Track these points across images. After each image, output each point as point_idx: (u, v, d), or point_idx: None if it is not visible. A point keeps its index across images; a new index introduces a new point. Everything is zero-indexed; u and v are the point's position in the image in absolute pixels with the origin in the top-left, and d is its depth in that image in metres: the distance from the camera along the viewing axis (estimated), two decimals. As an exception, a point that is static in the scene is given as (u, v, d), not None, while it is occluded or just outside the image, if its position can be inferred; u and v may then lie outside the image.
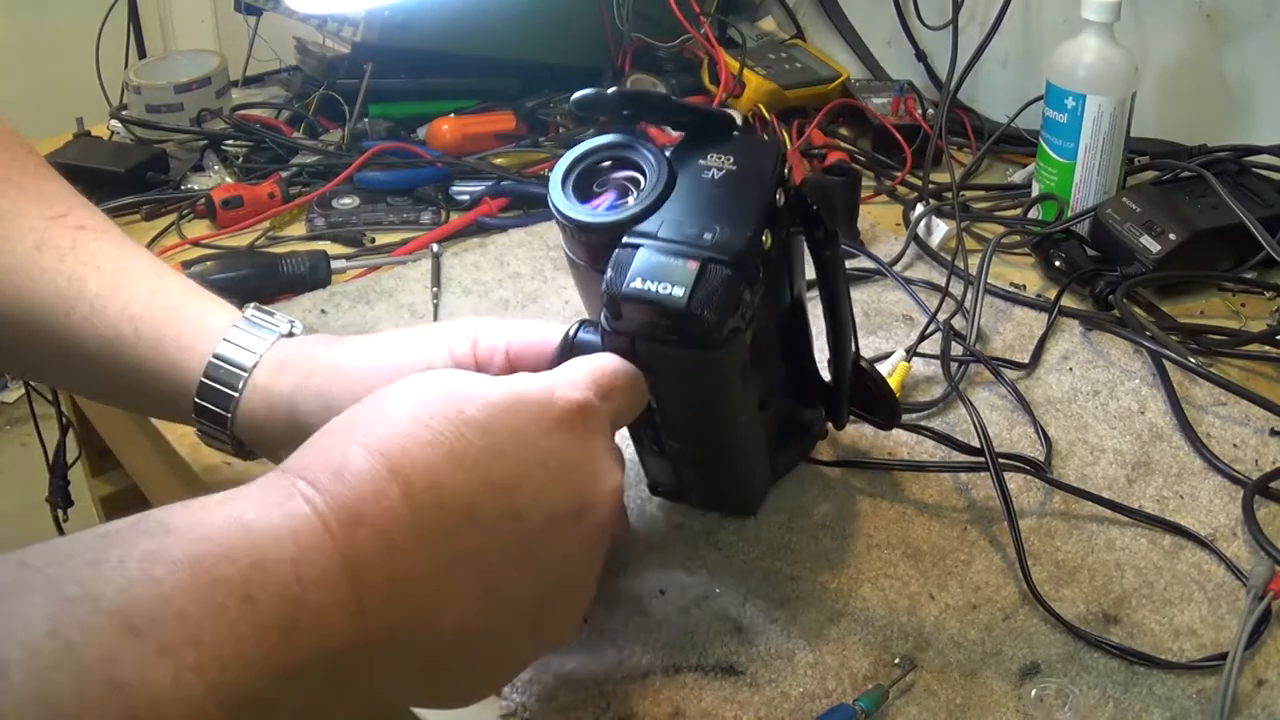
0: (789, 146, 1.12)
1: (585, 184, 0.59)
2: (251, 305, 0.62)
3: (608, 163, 0.59)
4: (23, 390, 1.52)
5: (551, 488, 0.46)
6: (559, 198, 0.57)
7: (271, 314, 0.62)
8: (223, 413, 0.59)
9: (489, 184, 1.04)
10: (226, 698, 0.36)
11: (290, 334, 0.61)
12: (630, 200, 0.57)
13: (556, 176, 0.58)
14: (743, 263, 0.53)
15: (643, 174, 0.57)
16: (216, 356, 0.59)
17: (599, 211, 0.57)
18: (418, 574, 0.43)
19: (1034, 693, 0.55)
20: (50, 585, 0.36)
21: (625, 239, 0.55)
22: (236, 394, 0.59)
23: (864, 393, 0.66)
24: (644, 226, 0.55)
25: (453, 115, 1.12)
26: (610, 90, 0.56)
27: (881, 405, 0.67)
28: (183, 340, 0.59)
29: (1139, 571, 0.63)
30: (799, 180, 0.59)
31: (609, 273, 0.54)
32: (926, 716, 0.54)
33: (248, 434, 0.60)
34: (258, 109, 1.21)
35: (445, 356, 0.58)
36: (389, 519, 0.42)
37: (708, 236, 0.53)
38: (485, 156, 1.09)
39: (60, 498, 1.36)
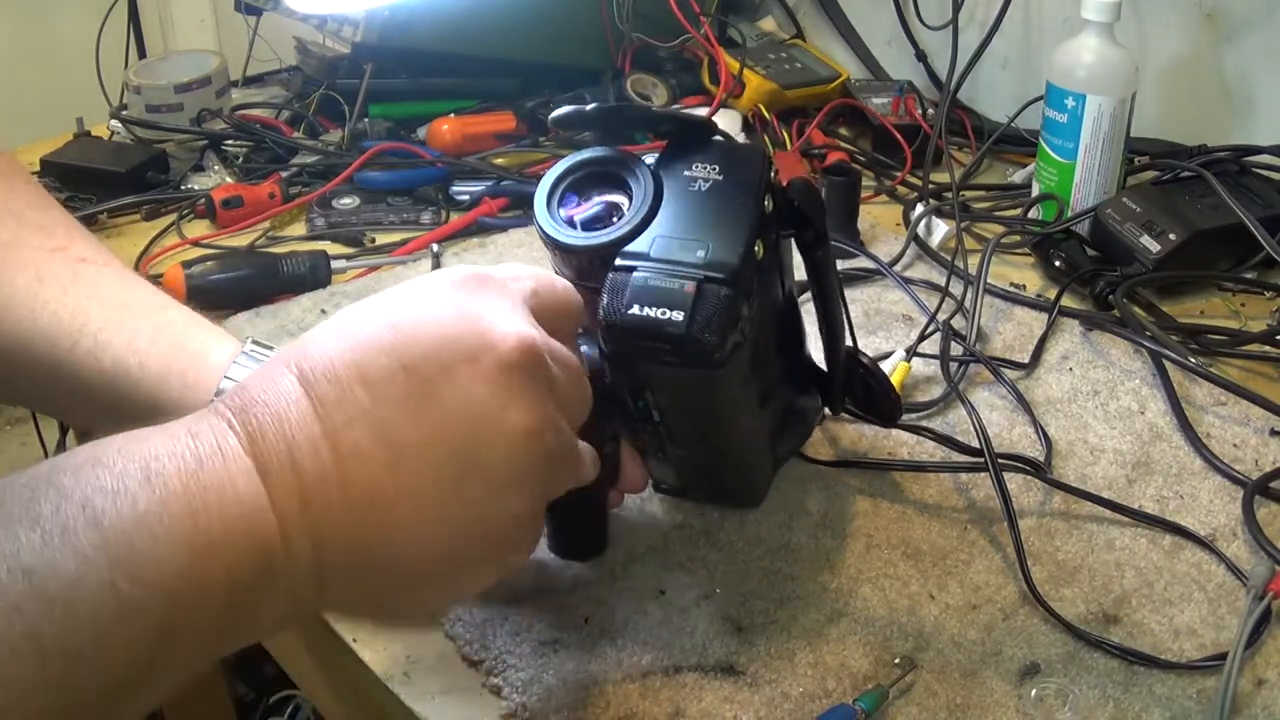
0: (789, 146, 1.12)
1: (571, 202, 0.58)
2: (249, 340, 0.62)
3: (592, 177, 0.58)
4: (23, 390, 1.52)
5: (439, 336, 0.46)
6: (545, 220, 0.57)
7: (270, 348, 0.62)
8: None
9: (489, 184, 1.04)
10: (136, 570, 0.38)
11: None
12: (617, 218, 0.56)
13: (541, 197, 0.57)
14: (739, 280, 0.53)
15: (628, 187, 0.57)
16: (219, 394, 0.58)
17: (588, 234, 0.56)
18: (313, 442, 0.43)
19: (1034, 693, 0.55)
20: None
21: (618, 261, 0.54)
22: None
23: (864, 389, 0.66)
24: (635, 246, 0.54)
25: (453, 115, 1.12)
26: (589, 107, 0.56)
27: (882, 402, 0.67)
28: (188, 378, 0.59)
29: (1139, 571, 0.63)
30: (785, 183, 0.58)
31: (605, 299, 0.53)
32: (926, 716, 0.54)
33: None
34: (258, 109, 1.21)
35: None
36: (283, 400, 0.44)
37: (701, 254, 0.53)
38: (485, 156, 1.09)
39: (60, 498, 1.36)
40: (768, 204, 0.56)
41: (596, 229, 0.56)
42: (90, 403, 0.60)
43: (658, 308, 0.52)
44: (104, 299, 0.60)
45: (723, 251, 0.53)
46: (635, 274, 0.53)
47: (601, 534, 0.63)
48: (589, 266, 0.55)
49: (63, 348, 0.58)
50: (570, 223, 0.56)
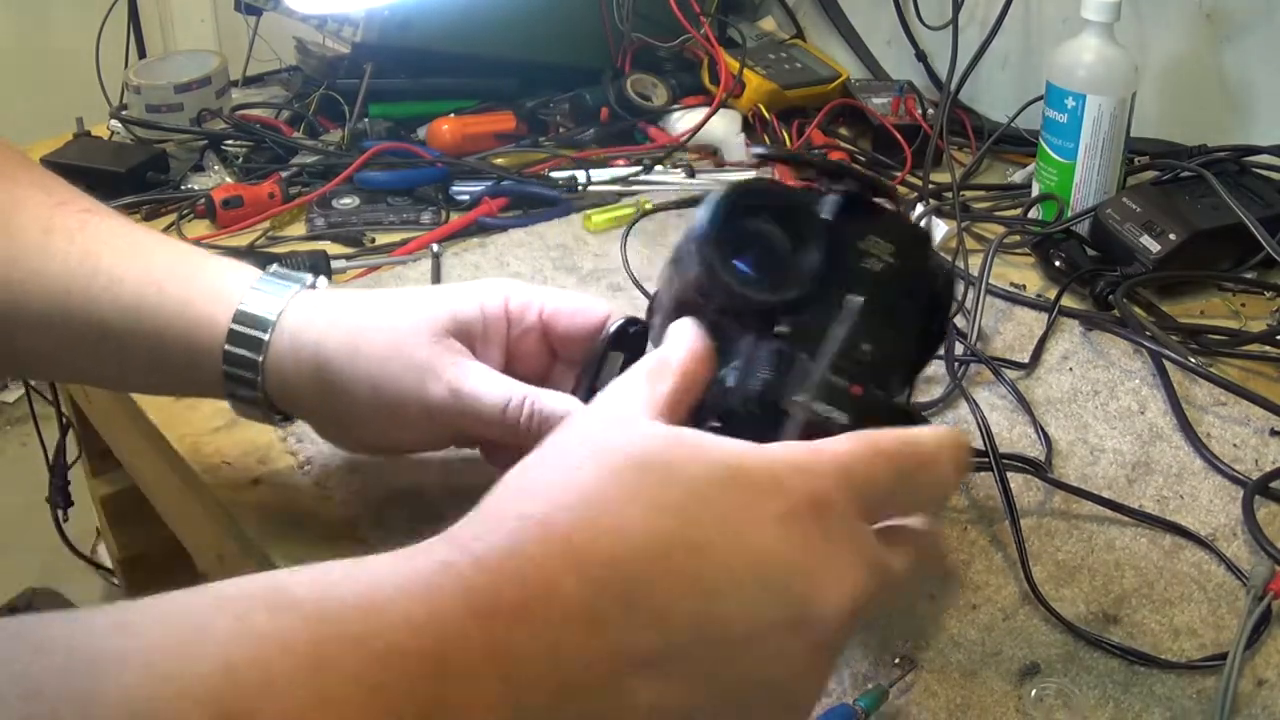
0: (789, 146, 1.12)
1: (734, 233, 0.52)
2: (274, 264, 0.61)
3: (755, 208, 0.52)
4: (23, 390, 1.52)
5: (761, 596, 0.38)
6: (715, 256, 0.50)
7: (293, 270, 0.61)
8: (253, 356, 0.58)
9: (489, 184, 1.04)
10: None
11: (313, 287, 0.61)
12: (771, 262, 0.51)
13: (710, 221, 0.50)
14: (898, 388, 0.52)
15: (790, 228, 0.51)
16: (243, 306, 0.58)
17: (756, 281, 0.50)
18: (586, 682, 0.35)
19: (1034, 693, 0.55)
20: (146, 656, 0.31)
21: (778, 328, 0.50)
22: (266, 337, 0.57)
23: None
24: (802, 317, 0.50)
25: (453, 115, 1.12)
26: (827, 197, 0.52)
27: None
28: (209, 295, 0.58)
29: (1139, 571, 0.63)
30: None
31: (765, 373, 0.48)
32: (926, 716, 0.54)
33: (277, 386, 0.59)
34: (258, 109, 1.21)
35: (476, 311, 0.58)
36: (559, 614, 0.35)
37: (867, 349, 0.49)
38: (485, 156, 1.09)
39: (60, 498, 1.37)
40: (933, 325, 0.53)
41: (747, 266, 0.51)
42: (105, 348, 0.59)
43: (825, 404, 0.48)
44: (113, 241, 0.59)
45: (889, 359, 0.50)
46: (800, 359, 0.49)
47: None
48: (734, 305, 0.50)
49: (76, 291, 0.57)
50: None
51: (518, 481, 0.40)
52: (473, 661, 0.34)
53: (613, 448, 0.40)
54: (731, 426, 0.47)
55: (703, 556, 0.37)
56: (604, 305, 0.60)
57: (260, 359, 0.58)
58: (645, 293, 0.84)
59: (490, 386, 0.56)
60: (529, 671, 0.35)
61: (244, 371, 0.58)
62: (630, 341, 0.59)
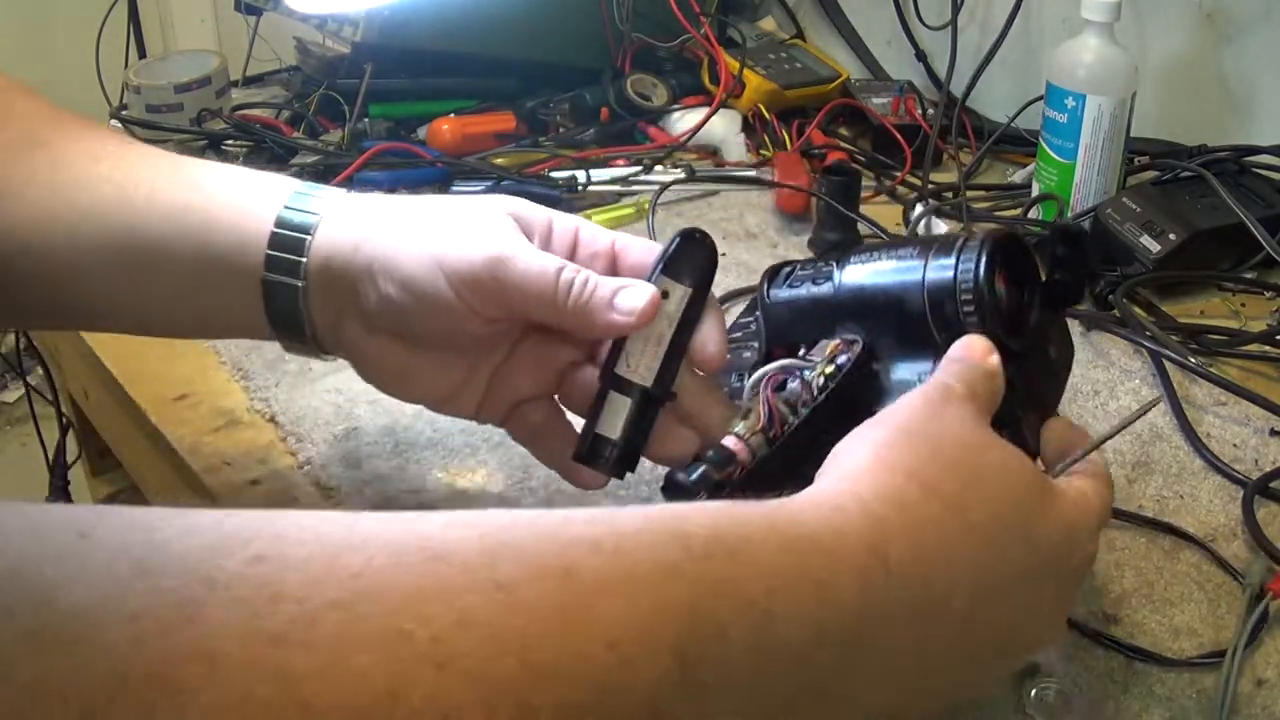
0: (789, 146, 1.12)
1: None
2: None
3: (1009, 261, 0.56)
4: (23, 390, 1.52)
5: (1045, 534, 0.47)
6: (988, 299, 0.53)
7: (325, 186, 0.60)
8: (297, 258, 0.56)
9: (489, 184, 1.04)
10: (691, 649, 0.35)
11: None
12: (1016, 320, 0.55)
13: (987, 265, 0.53)
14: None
15: (1025, 288, 0.56)
16: (291, 200, 0.57)
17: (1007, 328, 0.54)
18: (932, 555, 0.43)
19: (1034, 693, 0.55)
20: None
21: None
22: (309, 237, 0.56)
23: None
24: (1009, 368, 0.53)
25: (453, 115, 1.12)
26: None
27: None
28: (256, 191, 0.58)
29: (1139, 571, 0.63)
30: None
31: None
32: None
33: (319, 289, 0.57)
34: (258, 109, 1.21)
35: (545, 219, 0.58)
36: (913, 513, 0.43)
37: (1019, 413, 0.53)
38: (485, 156, 1.09)
39: (60, 498, 1.36)
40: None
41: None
42: (146, 262, 0.57)
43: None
44: (151, 159, 0.59)
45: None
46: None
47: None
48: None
49: (121, 203, 0.57)
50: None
51: (890, 442, 0.47)
52: (855, 536, 0.41)
53: (969, 435, 0.47)
54: None
55: (1007, 501, 0.46)
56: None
57: (303, 259, 0.56)
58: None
59: (543, 258, 0.55)
60: (894, 542, 0.42)
61: (287, 258, 0.56)
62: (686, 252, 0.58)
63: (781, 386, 0.57)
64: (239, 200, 0.58)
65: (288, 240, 0.56)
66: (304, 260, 0.56)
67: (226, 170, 0.60)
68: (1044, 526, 0.47)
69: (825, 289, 0.58)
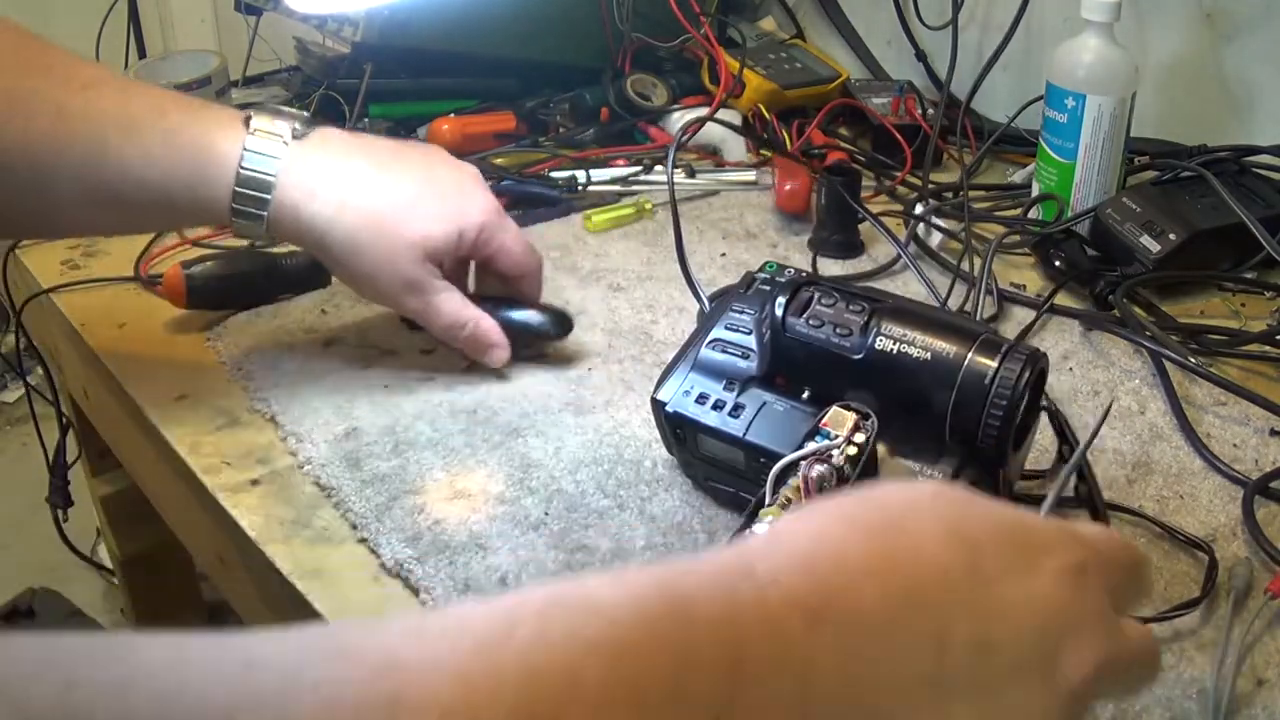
0: (789, 146, 1.12)
1: None
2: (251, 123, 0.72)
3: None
4: (23, 390, 1.52)
5: (1029, 635, 0.39)
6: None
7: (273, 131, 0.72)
8: (259, 212, 0.71)
9: (489, 184, 1.04)
10: None
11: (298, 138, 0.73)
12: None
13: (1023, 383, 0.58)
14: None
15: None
16: (245, 161, 0.70)
17: None
18: (868, 683, 0.36)
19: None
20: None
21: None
22: (269, 196, 0.71)
23: None
24: None
25: (453, 115, 1.12)
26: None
27: None
28: (220, 126, 0.71)
29: (1139, 571, 0.63)
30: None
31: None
32: None
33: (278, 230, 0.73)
34: (258, 109, 1.21)
35: (454, 240, 0.75)
36: (852, 616, 0.37)
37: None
38: (485, 156, 1.09)
39: (60, 498, 1.36)
40: None
41: None
42: (113, 199, 0.69)
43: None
44: (124, 106, 0.70)
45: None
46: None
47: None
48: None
49: (106, 154, 0.68)
50: None
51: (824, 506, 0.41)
52: (768, 655, 0.35)
53: (915, 486, 0.43)
54: None
55: (987, 587, 0.39)
56: (539, 258, 0.81)
57: (265, 214, 0.71)
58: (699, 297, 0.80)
59: (452, 309, 0.76)
60: (823, 679, 0.35)
61: (253, 209, 0.71)
62: None
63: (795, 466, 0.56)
64: (196, 171, 0.70)
65: (249, 199, 0.71)
66: (265, 214, 0.71)
67: (183, 121, 0.71)
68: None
69: (849, 347, 0.59)
